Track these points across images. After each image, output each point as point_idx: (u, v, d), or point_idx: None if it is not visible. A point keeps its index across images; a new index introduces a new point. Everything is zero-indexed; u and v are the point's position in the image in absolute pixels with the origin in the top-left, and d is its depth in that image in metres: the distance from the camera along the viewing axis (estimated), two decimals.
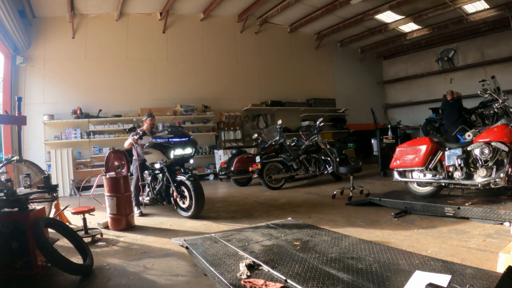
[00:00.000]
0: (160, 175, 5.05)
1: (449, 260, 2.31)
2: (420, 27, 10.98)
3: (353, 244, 2.77)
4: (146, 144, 4.95)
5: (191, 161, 5.20)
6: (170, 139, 4.76)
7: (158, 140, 4.86)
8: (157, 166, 4.96)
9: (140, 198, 5.18)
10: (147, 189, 5.20)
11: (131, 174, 5.32)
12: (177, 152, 4.71)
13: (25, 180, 3.36)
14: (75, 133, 7.78)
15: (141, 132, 5.12)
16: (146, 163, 5.14)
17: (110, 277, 2.71)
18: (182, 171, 4.86)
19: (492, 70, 10.18)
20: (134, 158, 5.26)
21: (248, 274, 2.21)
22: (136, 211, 4.97)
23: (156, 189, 5.06)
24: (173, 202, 4.87)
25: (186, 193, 4.61)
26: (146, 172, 5.29)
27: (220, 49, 10.01)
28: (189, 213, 4.59)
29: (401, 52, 13.40)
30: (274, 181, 6.82)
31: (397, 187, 5.57)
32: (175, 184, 4.72)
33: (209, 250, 2.76)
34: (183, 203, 4.70)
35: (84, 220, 3.85)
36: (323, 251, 2.60)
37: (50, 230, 3.12)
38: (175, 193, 4.74)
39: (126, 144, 5.29)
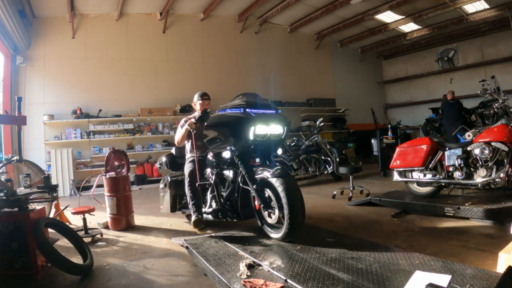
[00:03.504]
0: (231, 172, 3.21)
1: (449, 260, 2.31)
2: (420, 27, 10.97)
3: (353, 244, 2.77)
4: (207, 122, 3.22)
5: (280, 150, 3.47)
6: (247, 109, 2.96)
7: (228, 111, 3.07)
8: (226, 155, 3.15)
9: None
10: (208, 198, 3.49)
11: (172, 182, 3.99)
12: (259, 130, 2.91)
13: (25, 180, 3.37)
14: (75, 133, 7.78)
15: (199, 113, 3.35)
16: (209, 156, 3.42)
17: (110, 277, 2.71)
18: (268, 163, 3.13)
19: (492, 70, 10.17)
20: (188, 155, 3.67)
21: (248, 274, 2.20)
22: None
23: (224, 196, 3.25)
24: (256, 215, 3.08)
25: (273, 200, 2.85)
26: (207, 170, 3.49)
27: (220, 49, 10.00)
28: (279, 235, 2.83)
29: (401, 52, 13.40)
30: None
31: (397, 187, 5.57)
32: (255, 187, 2.92)
33: (209, 250, 2.77)
34: (270, 216, 2.90)
35: (84, 220, 3.85)
36: (323, 251, 2.60)
37: (50, 230, 3.12)
38: (256, 201, 2.97)
39: (179, 136, 3.54)
